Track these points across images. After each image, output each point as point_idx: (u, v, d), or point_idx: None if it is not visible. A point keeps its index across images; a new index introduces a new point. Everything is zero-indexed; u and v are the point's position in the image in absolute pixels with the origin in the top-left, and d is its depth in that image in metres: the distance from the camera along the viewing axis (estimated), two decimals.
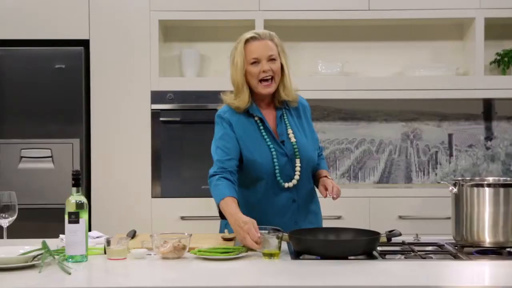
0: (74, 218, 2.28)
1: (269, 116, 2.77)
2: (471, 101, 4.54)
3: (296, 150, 2.72)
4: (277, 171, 2.70)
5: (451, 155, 4.59)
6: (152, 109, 4.20)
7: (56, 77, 4.16)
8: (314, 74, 4.38)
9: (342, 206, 4.19)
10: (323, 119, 4.58)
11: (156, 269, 2.28)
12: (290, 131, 2.75)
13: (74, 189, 2.32)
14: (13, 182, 4.11)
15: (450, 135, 4.60)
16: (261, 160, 2.69)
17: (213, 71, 4.53)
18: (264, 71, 2.66)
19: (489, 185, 2.49)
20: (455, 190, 2.53)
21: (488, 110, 4.58)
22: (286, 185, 2.71)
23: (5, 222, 2.43)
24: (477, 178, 2.64)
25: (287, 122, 2.78)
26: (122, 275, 2.24)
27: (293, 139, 2.74)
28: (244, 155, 2.70)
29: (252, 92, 2.74)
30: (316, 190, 2.87)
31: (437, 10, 4.27)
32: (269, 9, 4.24)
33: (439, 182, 2.56)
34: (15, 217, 2.44)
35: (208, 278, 2.16)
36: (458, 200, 2.53)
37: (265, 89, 2.69)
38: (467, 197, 2.50)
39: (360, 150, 4.61)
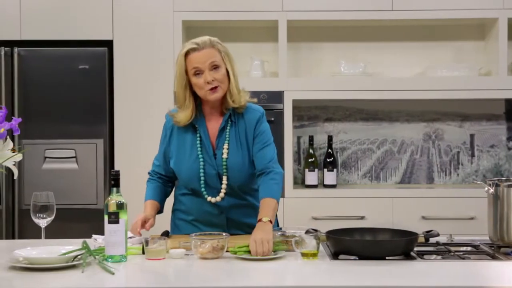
0: (114, 218, 2.29)
1: (214, 124, 2.70)
2: (493, 101, 4.52)
3: (224, 167, 2.66)
4: (201, 182, 2.67)
5: (473, 155, 4.58)
6: None
7: (80, 77, 4.17)
8: (336, 75, 4.38)
9: (365, 206, 4.20)
10: (345, 119, 4.58)
11: (195, 269, 2.29)
12: (226, 145, 2.66)
13: (114, 189, 2.33)
14: (37, 182, 4.12)
15: (472, 136, 4.58)
16: (187, 170, 2.69)
17: None
18: (208, 83, 2.59)
19: None
20: (491, 190, 2.52)
21: (510, 110, 4.56)
22: (209, 199, 2.68)
23: (44, 222, 2.43)
24: None
25: (227, 135, 2.68)
26: (162, 275, 2.25)
27: (225, 155, 2.66)
28: (172, 164, 2.73)
29: (201, 102, 2.71)
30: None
31: (460, 11, 4.26)
32: (292, 9, 4.24)
33: (475, 182, 2.55)
34: (53, 217, 2.44)
35: (247, 278, 2.17)
36: (495, 200, 2.53)
37: (212, 95, 2.62)
38: (503, 197, 2.49)
39: (382, 150, 4.60)
